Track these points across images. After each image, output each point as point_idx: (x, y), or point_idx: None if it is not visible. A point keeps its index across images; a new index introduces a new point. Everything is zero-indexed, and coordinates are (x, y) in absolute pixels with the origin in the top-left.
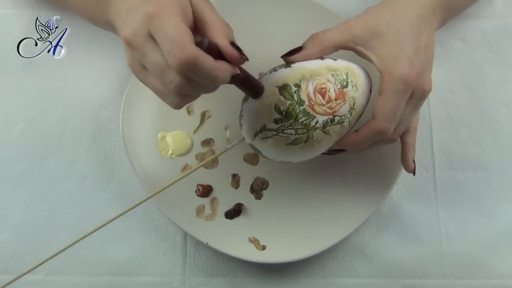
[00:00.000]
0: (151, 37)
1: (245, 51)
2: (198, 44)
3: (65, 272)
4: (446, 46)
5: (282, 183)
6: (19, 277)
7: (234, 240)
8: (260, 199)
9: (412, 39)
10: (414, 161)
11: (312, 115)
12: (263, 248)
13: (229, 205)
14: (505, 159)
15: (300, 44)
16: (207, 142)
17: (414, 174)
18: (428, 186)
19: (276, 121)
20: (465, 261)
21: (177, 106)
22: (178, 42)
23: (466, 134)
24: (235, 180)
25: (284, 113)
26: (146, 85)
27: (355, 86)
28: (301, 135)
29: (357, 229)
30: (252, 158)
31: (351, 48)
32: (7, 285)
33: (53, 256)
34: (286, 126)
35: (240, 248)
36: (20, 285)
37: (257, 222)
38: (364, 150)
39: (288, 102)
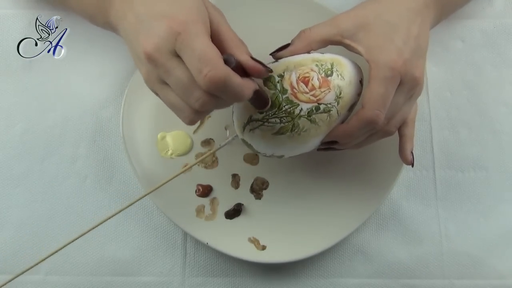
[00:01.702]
0: (176, 54)
1: None
2: (226, 61)
3: (65, 272)
4: (446, 46)
5: (282, 183)
6: (18, 275)
7: (234, 240)
8: (260, 199)
9: (401, 29)
10: (412, 153)
11: (296, 103)
12: (263, 248)
13: (229, 205)
14: (505, 159)
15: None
16: (207, 142)
17: (412, 166)
18: (428, 186)
19: (260, 111)
20: (465, 261)
21: (192, 122)
22: (207, 60)
23: (466, 134)
24: (235, 180)
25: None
26: (162, 99)
27: (340, 75)
28: (286, 124)
29: (357, 229)
30: (252, 158)
31: (338, 41)
32: (5, 284)
33: (51, 255)
34: (270, 115)
35: (240, 248)
36: (20, 285)
37: (257, 222)
38: (361, 144)
39: (271, 92)
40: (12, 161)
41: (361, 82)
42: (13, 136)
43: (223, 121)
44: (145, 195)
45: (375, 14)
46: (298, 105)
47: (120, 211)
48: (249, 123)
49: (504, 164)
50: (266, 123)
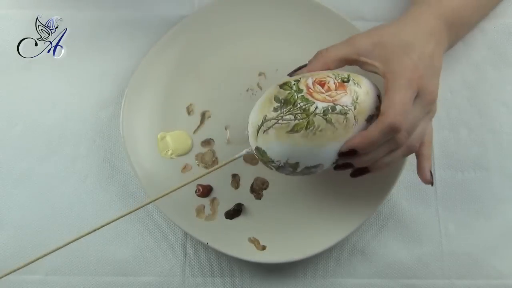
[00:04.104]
0: None
1: (245, 51)
2: None
3: (65, 272)
4: None
5: (282, 183)
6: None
7: (234, 240)
8: (260, 199)
9: (416, 47)
10: (431, 172)
11: (311, 100)
12: (263, 248)
13: (229, 205)
14: (505, 159)
15: (301, 44)
16: (207, 142)
17: (432, 185)
18: (428, 186)
19: (275, 109)
20: (465, 261)
21: None
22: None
23: (466, 134)
24: (235, 180)
25: (282, 100)
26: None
27: (357, 84)
28: (300, 121)
29: (357, 229)
30: (252, 158)
31: (355, 60)
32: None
33: (51, 252)
34: (285, 112)
35: (240, 248)
36: (20, 285)
37: (257, 222)
38: (382, 163)
39: (287, 92)
40: (12, 161)
41: (379, 97)
42: (13, 136)
43: (223, 121)
44: (151, 202)
45: (390, 34)
46: (314, 103)
47: (124, 215)
48: (263, 124)
49: (504, 164)
50: (280, 121)
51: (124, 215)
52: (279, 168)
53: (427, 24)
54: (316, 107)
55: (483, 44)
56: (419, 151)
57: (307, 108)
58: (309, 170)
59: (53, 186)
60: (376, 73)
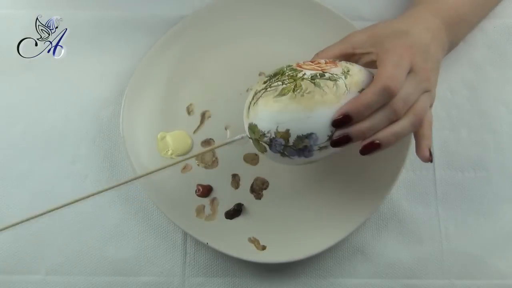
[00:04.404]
0: None
1: (245, 51)
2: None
3: (65, 272)
4: None
5: (282, 183)
6: None
7: (234, 240)
8: (260, 199)
9: (411, 35)
10: (430, 150)
11: (300, 69)
12: (263, 248)
13: (229, 205)
14: (505, 159)
15: (301, 44)
16: (207, 142)
17: (431, 162)
18: (428, 186)
19: (265, 82)
20: (465, 261)
21: None
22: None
23: (466, 134)
24: (235, 180)
25: (272, 74)
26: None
27: (350, 64)
28: (288, 85)
29: (357, 229)
30: (252, 158)
31: (350, 54)
32: None
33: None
34: (273, 81)
35: (240, 248)
36: (20, 285)
37: (257, 222)
38: (385, 138)
39: (278, 68)
40: (12, 161)
41: (371, 77)
42: (13, 136)
43: (223, 121)
44: (136, 178)
45: (385, 26)
46: (302, 71)
47: (109, 188)
48: (253, 98)
49: (504, 164)
50: (268, 89)
51: (103, 191)
52: (271, 143)
53: (425, 20)
54: (304, 74)
55: (483, 44)
56: (418, 131)
57: (295, 75)
58: (302, 141)
59: (53, 186)
60: (372, 62)
